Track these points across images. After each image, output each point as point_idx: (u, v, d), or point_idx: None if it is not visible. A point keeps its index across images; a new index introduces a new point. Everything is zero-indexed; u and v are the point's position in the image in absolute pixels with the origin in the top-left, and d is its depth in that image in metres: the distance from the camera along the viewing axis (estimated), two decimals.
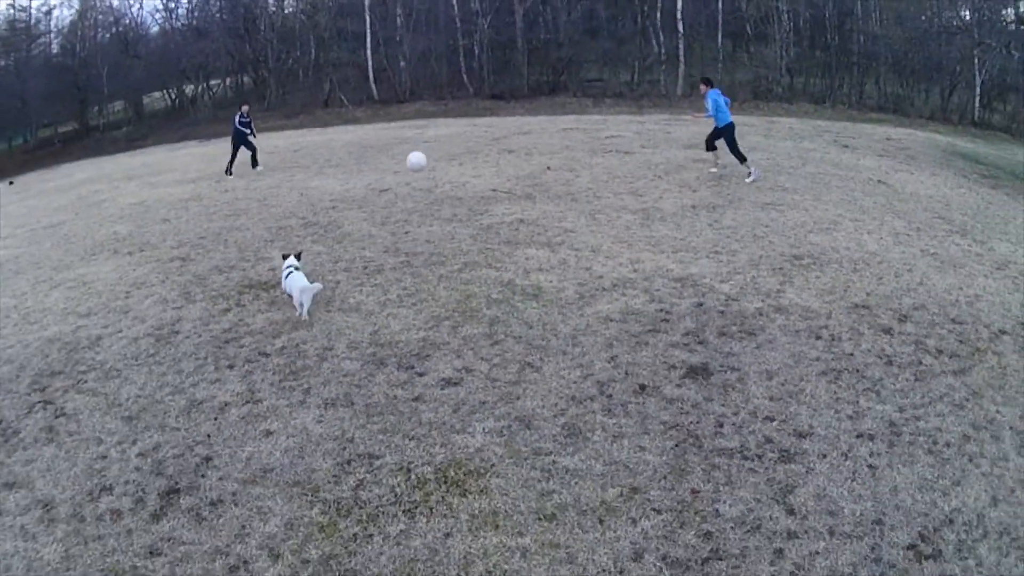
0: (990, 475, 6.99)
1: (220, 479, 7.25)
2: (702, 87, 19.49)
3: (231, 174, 25.33)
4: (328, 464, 7.36)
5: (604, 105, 45.82)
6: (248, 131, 25.82)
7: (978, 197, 19.16)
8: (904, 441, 7.44)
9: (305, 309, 10.83)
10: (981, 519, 6.38)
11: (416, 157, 15.86)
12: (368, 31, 54.08)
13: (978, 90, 44.70)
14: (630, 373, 8.76)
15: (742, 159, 19.09)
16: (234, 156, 25.81)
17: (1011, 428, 7.81)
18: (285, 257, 11.68)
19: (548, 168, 21.25)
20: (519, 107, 47.21)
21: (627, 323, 10.08)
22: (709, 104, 18.75)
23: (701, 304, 10.68)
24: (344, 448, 7.60)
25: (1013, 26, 37.82)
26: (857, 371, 8.79)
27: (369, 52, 54.43)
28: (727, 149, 19.16)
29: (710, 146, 19.80)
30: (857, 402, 8.13)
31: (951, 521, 6.34)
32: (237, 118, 25.81)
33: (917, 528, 6.24)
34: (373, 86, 53.92)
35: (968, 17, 45.75)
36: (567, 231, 14.31)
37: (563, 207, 16.28)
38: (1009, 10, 41.05)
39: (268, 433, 7.96)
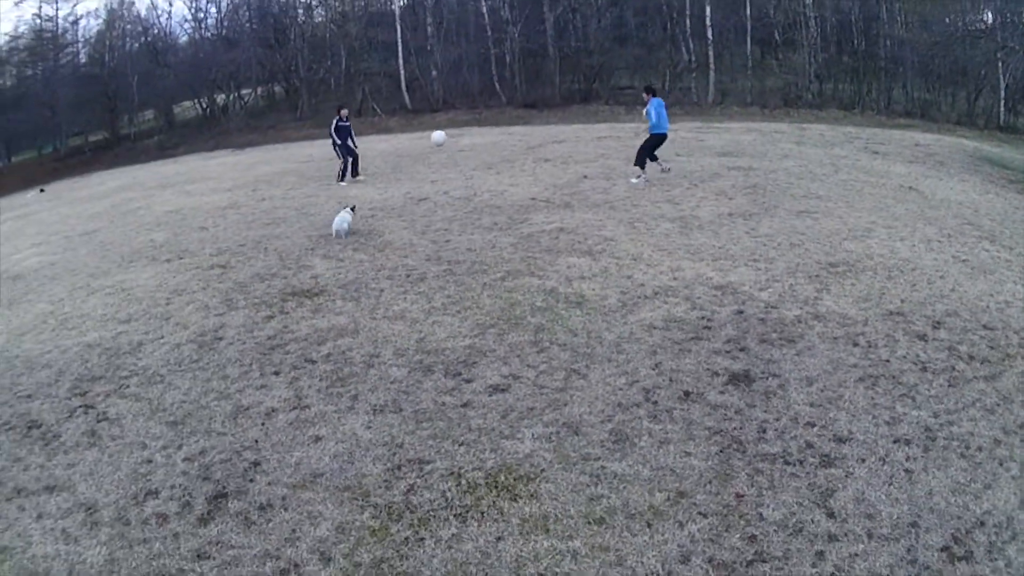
0: (1020, 478, 7.04)
1: (269, 484, 7.31)
2: (645, 95, 19.87)
3: (353, 175, 24.64)
4: (378, 469, 7.41)
5: (637, 112, 45.64)
6: (346, 138, 24.49)
7: (1006, 202, 19.12)
8: (939, 446, 7.50)
9: (340, 233, 12.81)
10: (1011, 521, 6.44)
11: (438, 135, 16.19)
12: (399, 40, 54.28)
13: (1003, 94, 44.38)
14: (674, 380, 8.84)
15: (642, 165, 19.71)
16: (345, 162, 24.59)
17: None
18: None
19: (585, 176, 21.33)
20: (552, 115, 47.25)
21: (670, 330, 10.15)
22: (652, 113, 19.15)
23: (741, 312, 10.76)
24: (394, 453, 7.66)
25: None
26: (893, 377, 8.84)
27: (401, 61, 54.68)
28: (644, 150, 19.80)
29: (651, 157, 20.13)
30: (894, 407, 8.20)
31: (982, 523, 6.41)
32: (335, 122, 24.43)
33: (950, 530, 6.30)
34: (406, 95, 54.12)
35: (991, 20, 45.39)
36: (607, 239, 14.38)
37: (602, 215, 16.36)
38: None
39: (317, 439, 8.03)
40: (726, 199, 17.69)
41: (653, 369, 9.13)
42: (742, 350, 9.58)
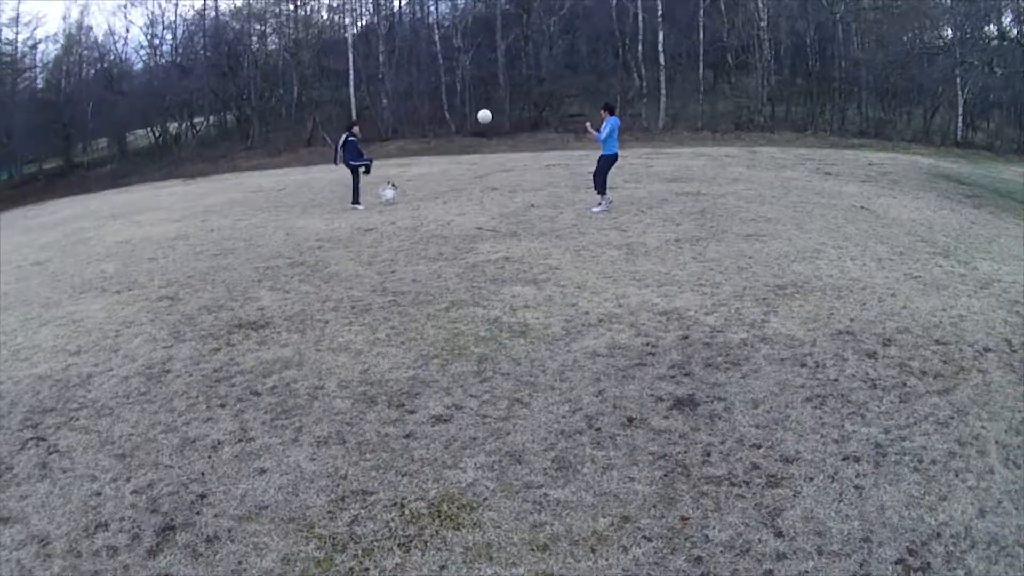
0: (976, 488, 7.23)
1: (215, 516, 7.34)
2: (603, 113, 20.04)
3: (359, 204, 23.82)
4: (322, 501, 7.46)
5: (586, 140, 46.27)
6: (361, 158, 23.89)
7: (961, 218, 19.54)
8: (890, 461, 7.67)
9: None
10: (968, 531, 6.60)
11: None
12: (351, 69, 54.60)
13: (960, 110, 45.25)
14: (618, 406, 8.95)
15: (602, 190, 20.06)
16: (356, 184, 23.92)
17: (997, 442, 8.07)
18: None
19: (532, 205, 21.54)
20: (501, 144, 47.74)
21: (614, 357, 10.29)
22: (605, 130, 19.46)
23: (686, 337, 10.92)
24: (338, 485, 7.72)
25: (996, 42, 38.23)
26: (842, 396, 9.04)
27: (352, 90, 55.16)
28: (600, 175, 20.06)
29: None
30: (843, 426, 8.37)
31: (938, 535, 6.56)
32: (344, 137, 23.73)
33: (905, 543, 6.45)
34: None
35: (950, 36, 46.23)
36: (552, 268, 14.54)
37: (548, 244, 16.53)
38: (992, 27, 41.49)
39: (262, 471, 8.08)
40: (673, 225, 17.95)
41: (596, 396, 9.25)
42: (687, 375, 9.73)
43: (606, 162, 19.95)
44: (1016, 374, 9.77)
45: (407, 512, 7.21)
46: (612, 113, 19.97)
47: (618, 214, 19.42)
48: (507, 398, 9.35)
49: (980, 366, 9.92)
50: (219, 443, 8.76)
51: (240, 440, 8.79)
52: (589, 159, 32.88)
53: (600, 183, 20.13)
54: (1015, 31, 38.41)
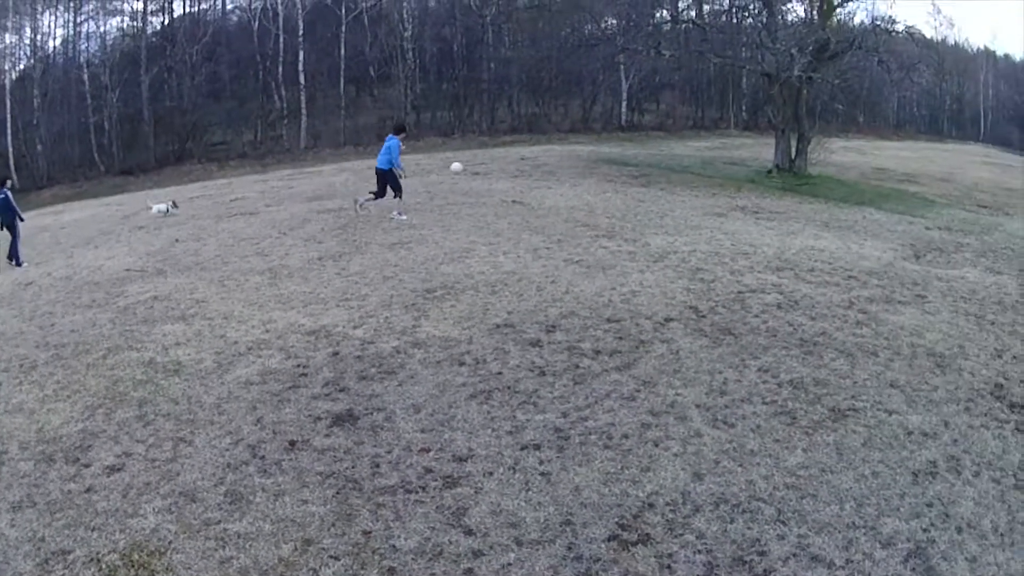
0: (684, 454, 7.58)
1: None
2: (398, 134, 20.30)
3: (18, 262, 21.41)
4: (30, 566, 7.24)
5: (229, 168, 46.30)
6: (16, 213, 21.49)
7: (626, 198, 20.56)
8: (574, 443, 7.89)
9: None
10: (687, 496, 6.91)
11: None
12: (8, 116, 52.19)
13: (624, 96, 47.45)
14: (278, 432, 8.95)
15: (380, 197, 20.16)
16: (14, 240, 21.57)
17: (698, 406, 8.53)
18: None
19: (176, 240, 21.13)
20: (148, 180, 47.05)
21: (267, 383, 10.29)
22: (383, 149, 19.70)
23: (337, 353, 11.05)
24: (39, 548, 7.48)
25: (668, 25, 40.14)
26: (508, 388, 9.31)
27: (9, 139, 52.48)
28: (386, 188, 20.13)
29: (384, 192, 20.48)
30: (514, 417, 8.59)
31: (651, 505, 6.83)
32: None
33: (614, 519, 6.69)
34: (14, 175, 51.69)
35: (615, 25, 48.06)
36: (199, 301, 14.33)
37: (193, 278, 16.25)
38: (664, 12, 43.52)
39: None
40: (316, 243, 18.11)
41: (255, 424, 9.20)
42: (342, 390, 9.85)
43: (389, 175, 19.95)
44: (708, 338, 10.38)
45: (104, 566, 7.08)
46: (397, 133, 20.18)
47: (259, 239, 19.29)
48: (171, 439, 9.20)
49: (664, 336, 10.45)
50: None
51: None
52: (231, 187, 32.97)
53: (386, 193, 19.99)
54: (692, 12, 40.41)
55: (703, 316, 11.07)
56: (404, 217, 19.85)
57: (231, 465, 8.38)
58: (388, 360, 10.49)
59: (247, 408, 9.61)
